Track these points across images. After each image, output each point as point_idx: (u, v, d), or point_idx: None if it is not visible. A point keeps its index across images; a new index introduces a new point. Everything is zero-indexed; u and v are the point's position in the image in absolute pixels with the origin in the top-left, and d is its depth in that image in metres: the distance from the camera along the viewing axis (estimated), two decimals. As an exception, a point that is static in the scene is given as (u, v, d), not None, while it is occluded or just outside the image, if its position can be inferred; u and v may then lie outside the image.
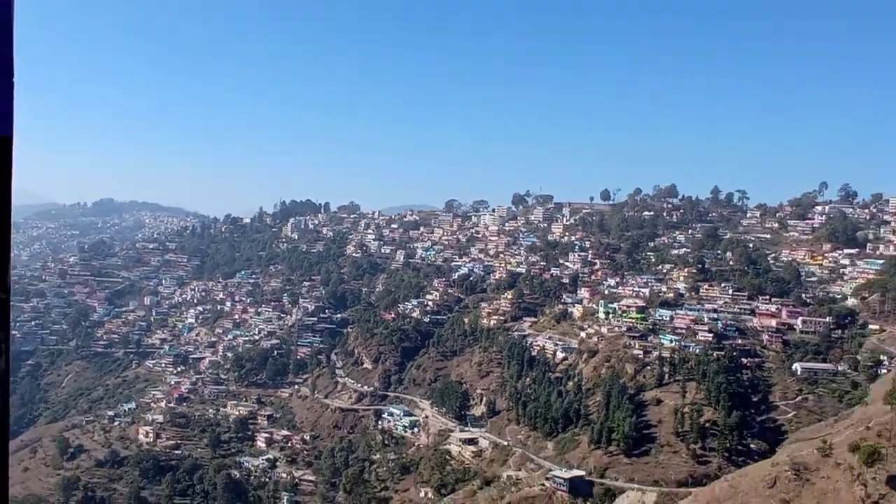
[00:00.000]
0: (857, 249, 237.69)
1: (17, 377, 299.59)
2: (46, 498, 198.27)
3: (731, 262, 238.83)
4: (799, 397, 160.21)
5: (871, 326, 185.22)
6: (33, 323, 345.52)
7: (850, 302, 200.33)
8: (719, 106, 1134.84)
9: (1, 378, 5.69)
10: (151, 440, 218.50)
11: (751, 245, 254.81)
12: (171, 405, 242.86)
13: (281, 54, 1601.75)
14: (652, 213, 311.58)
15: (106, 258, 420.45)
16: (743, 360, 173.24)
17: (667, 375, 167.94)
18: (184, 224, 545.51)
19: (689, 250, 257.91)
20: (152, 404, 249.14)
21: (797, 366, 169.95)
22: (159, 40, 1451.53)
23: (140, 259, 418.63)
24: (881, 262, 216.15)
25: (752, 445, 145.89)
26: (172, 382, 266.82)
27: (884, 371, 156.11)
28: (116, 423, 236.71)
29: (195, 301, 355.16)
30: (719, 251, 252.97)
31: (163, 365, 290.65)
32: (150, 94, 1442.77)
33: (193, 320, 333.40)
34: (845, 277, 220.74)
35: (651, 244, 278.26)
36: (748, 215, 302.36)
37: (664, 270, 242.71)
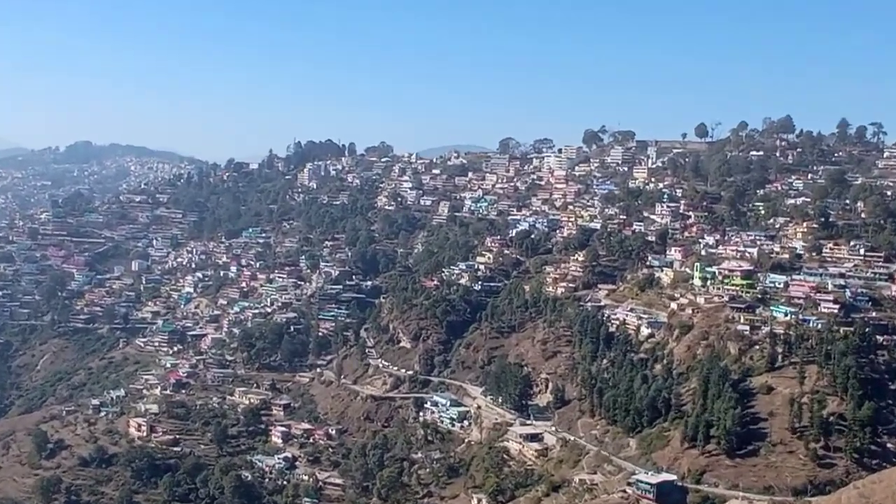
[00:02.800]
0: None
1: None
2: (22, 502, 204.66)
3: (862, 215, 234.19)
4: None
5: None
6: (0, 294, 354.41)
7: None
8: (845, 14, 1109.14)
9: None
10: (145, 434, 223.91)
11: (889, 193, 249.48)
12: (168, 392, 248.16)
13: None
14: (761, 152, 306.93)
15: (84, 214, 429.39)
16: (878, 337, 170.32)
17: (780, 357, 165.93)
18: (177, 171, 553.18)
19: (808, 200, 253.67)
20: (145, 391, 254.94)
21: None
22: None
23: (125, 215, 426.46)
24: None
25: (888, 445, 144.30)
26: (168, 365, 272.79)
27: None
28: (102, 414, 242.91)
29: (193, 266, 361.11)
30: (847, 200, 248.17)
31: (156, 343, 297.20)
32: (133, 13, 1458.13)
33: (191, 289, 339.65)
34: None
35: (760, 192, 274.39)
36: (885, 155, 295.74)
37: (777, 225, 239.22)
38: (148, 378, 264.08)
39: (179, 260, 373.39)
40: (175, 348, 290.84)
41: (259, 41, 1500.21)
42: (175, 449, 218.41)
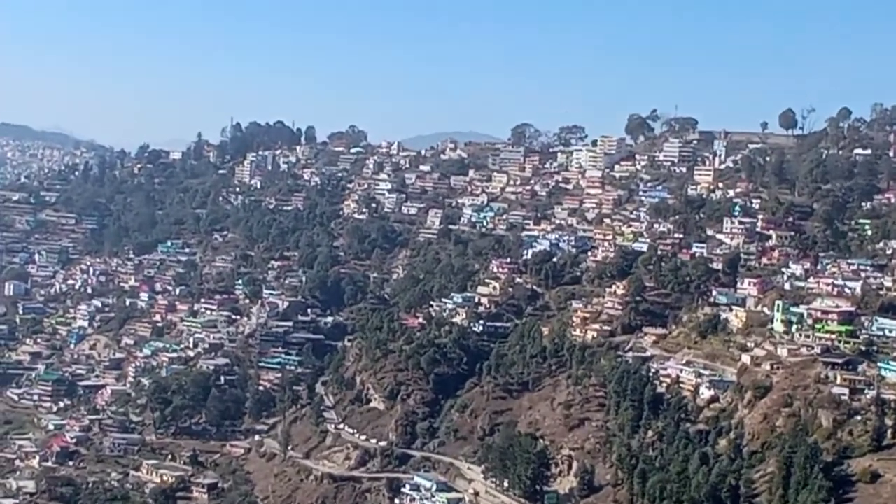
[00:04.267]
0: None
1: None
2: None
3: None
4: None
5: None
6: None
7: None
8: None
9: None
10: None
11: None
12: (50, 464, 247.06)
13: None
14: (869, 150, 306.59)
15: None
16: None
17: (890, 432, 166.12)
18: (71, 161, 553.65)
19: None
20: (18, 462, 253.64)
21: None
22: None
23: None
24: None
25: None
26: (51, 426, 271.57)
27: None
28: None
29: (89, 291, 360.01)
30: None
31: (35, 397, 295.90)
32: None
33: (86, 323, 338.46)
34: None
35: (867, 205, 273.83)
36: None
37: (888, 251, 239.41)
38: (23, 444, 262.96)
39: (70, 282, 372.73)
40: (61, 404, 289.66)
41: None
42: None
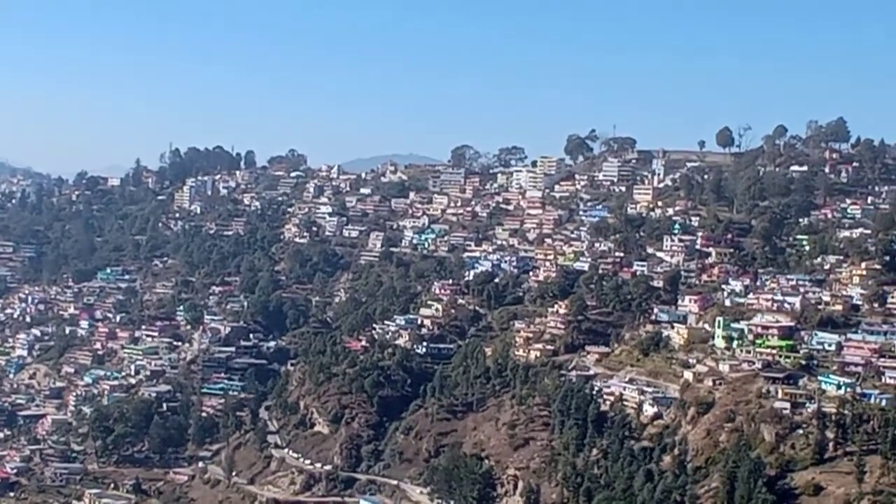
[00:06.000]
0: None
1: None
2: None
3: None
4: None
5: None
6: None
7: None
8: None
9: None
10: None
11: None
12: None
13: None
14: (806, 167, 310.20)
15: None
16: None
17: (832, 445, 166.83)
18: (8, 189, 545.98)
19: (868, 232, 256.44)
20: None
21: None
22: None
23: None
24: None
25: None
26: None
27: None
28: None
29: (28, 319, 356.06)
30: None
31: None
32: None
33: (25, 352, 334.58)
34: None
35: (804, 221, 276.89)
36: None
37: (826, 266, 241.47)
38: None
39: (9, 311, 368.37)
40: (1, 434, 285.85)
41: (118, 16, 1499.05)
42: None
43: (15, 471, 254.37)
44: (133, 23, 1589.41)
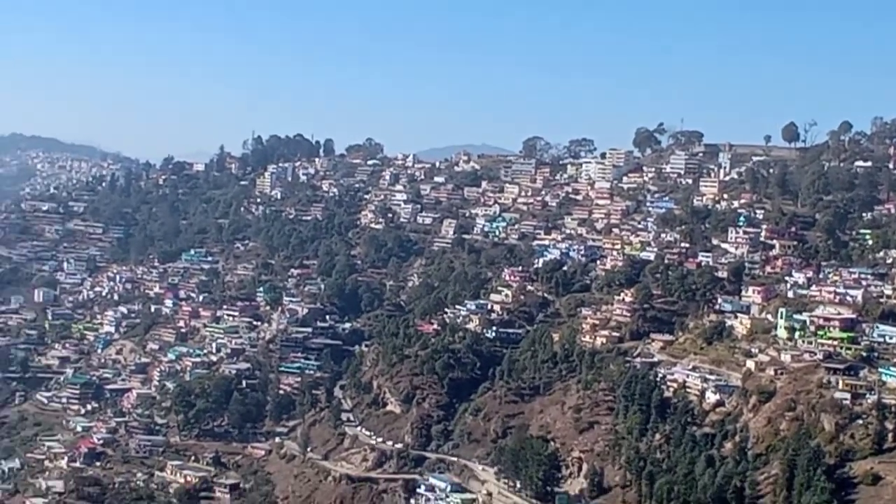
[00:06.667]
0: None
1: None
2: None
3: None
4: None
5: None
6: None
7: None
8: None
9: None
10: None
11: None
12: (78, 465, 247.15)
13: None
14: (870, 163, 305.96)
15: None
16: None
17: (891, 436, 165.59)
18: (98, 172, 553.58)
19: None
20: (47, 462, 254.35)
21: None
22: None
23: (28, 228, 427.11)
24: None
25: None
26: (79, 428, 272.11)
27: None
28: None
29: (116, 298, 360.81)
30: None
31: (64, 400, 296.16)
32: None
33: (112, 329, 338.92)
34: None
35: (868, 216, 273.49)
36: None
37: (889, 260, 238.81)
38: (52, 445, 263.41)
39: (98, 289, 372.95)
40: (89, 406, 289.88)
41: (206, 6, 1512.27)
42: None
43: (101, 441, 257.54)
44: (221, 14, 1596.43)
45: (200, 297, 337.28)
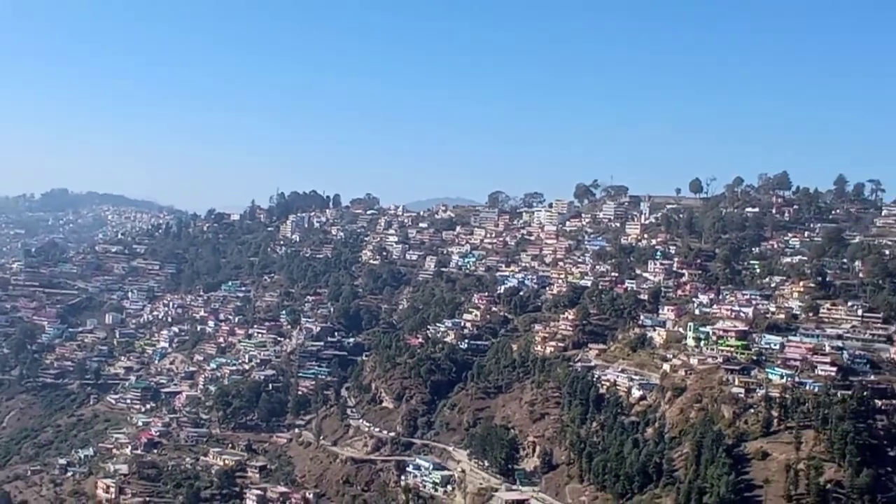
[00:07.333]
0: None
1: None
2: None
3: (860, 274, 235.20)
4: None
5: None
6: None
7: None
8: (844, 68, 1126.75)
9: None
10: (113, 496, 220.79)
11: (887, 252, 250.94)
12: (139, 452, 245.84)
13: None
14: (757, 209, 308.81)
15: (58, 264, 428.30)
16: (876, 401, 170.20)
17: (776, 421, 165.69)
18: (156, 221, 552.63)
19: (805, 258, 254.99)
20: (114, 451, 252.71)
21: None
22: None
23: (100, 266, 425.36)
24: None
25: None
26: (140, 423, 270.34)
27: None
28: (70, 475, 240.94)
29: (169, 320, 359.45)
30: (845, 259, 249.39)
31: (128, 401, 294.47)
32: (109, 57, 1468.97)
33: (167, 344, 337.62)
34: None
35: (756, 250, 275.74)
36: (884, 213, 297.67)
37: (772, 284, 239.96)
38: (118, 437, 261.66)
39: (155, 313, 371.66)
40: (148, 406, 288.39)
41: (236, 85, 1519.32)
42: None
43: (158, 433, 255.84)
44: (254, 99, 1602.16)
45: (236, 319, 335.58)
